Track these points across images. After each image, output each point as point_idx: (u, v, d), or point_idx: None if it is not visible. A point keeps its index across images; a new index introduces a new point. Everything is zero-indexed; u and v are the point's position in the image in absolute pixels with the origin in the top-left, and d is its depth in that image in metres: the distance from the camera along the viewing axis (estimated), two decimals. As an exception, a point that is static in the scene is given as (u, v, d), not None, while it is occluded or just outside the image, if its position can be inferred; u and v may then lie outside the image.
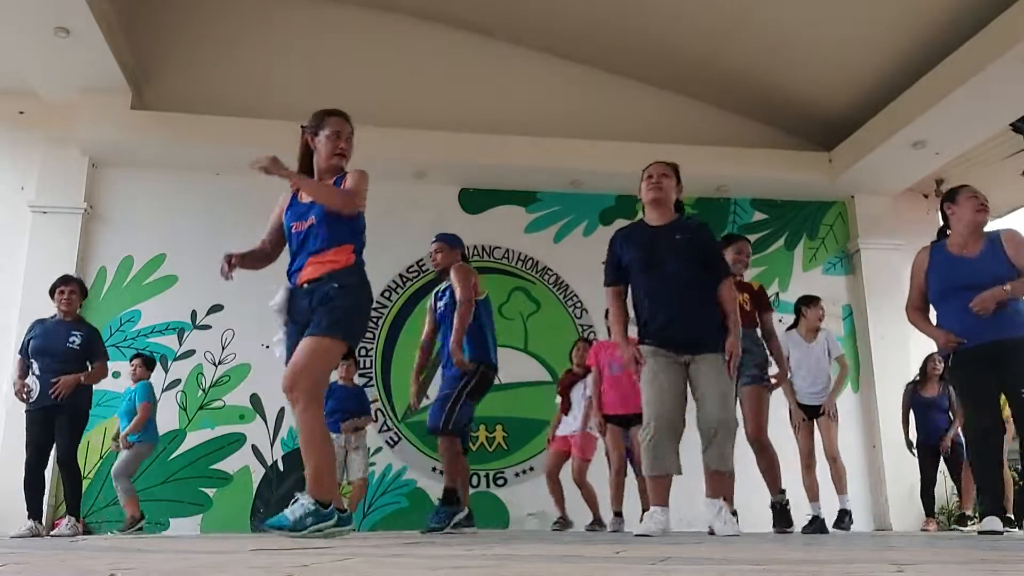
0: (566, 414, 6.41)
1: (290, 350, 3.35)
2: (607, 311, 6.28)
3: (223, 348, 7.58)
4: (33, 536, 5.15)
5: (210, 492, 7.26)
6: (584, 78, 8.55)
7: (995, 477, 4.05)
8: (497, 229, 8.28)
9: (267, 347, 7.91)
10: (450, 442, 4.71)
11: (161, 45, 7.98)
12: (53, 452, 5.64)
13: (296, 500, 3.10)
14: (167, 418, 7.32)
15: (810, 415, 5.67)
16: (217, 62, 8.06)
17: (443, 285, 5.02)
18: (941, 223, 4.33)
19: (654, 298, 3.81)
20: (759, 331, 4.97)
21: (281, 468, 7.41)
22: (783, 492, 4.93)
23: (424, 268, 8.12)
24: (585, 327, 8.10)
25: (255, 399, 7.47)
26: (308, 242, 3.41)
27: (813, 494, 5.48)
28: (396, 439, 7.60)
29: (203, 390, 7.48)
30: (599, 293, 8.10)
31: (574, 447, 6.30)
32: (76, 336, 5.51)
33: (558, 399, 6.59)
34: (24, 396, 5.41)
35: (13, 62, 7.16)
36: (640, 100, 8.61)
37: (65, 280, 5.69)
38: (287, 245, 3.56)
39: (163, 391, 7.43)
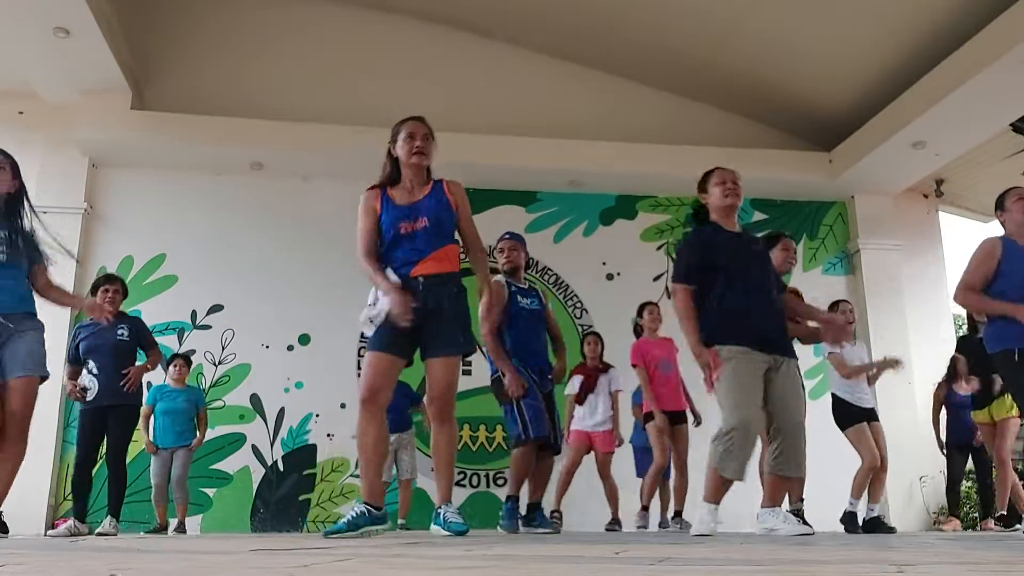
0: (580, 404, 6.28)
1: (386, 338, 3.44)
2: (641, 307, 6.29)
3: (223, 348, 7.58)
4: (72, 536, 5.12)
5: (210, 492, 7.26)
6: (584, 78, 8.56)
7: None
8: (497, 229, 8.24)
9: (267, 347, 7.96)
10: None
11: (161, 45, 7.98)
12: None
13: (448, 509, 3.47)
14: (167, 418, 7.33)
15: (862, 417, 5.61)
16: (217, 62, 8.06)
17: (522, 284, 4.97)
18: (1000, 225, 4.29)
19: (746, 302, 3.79)
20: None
21: (281, 468, 7.41)
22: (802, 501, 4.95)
23: (424, 268, 8.12)
24: (585, 327, 8.10)
25: (255, 399, 7.48)
26: (419, 240, 3.53)
27: (859, 493, 5.57)
28: (396, 439, 7.60)
29: (203, 390, 7.47)
30: (599, 293, 8.23)
31: (599, 442, 6.24)
32: (123, 328, 5.50)
33: (574, 390, 6.40)
34: (80, 396, 5.38)
35: (13, 62, 7.16)
36: (640, 100, 8.61)
37: (110, 279, 5.68)
38: (380, 245, 3.59)
39: (163, 391, 7.44)
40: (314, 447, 7.47)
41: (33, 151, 7.58)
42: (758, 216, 8.75)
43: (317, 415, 7.44)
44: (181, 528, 6.56)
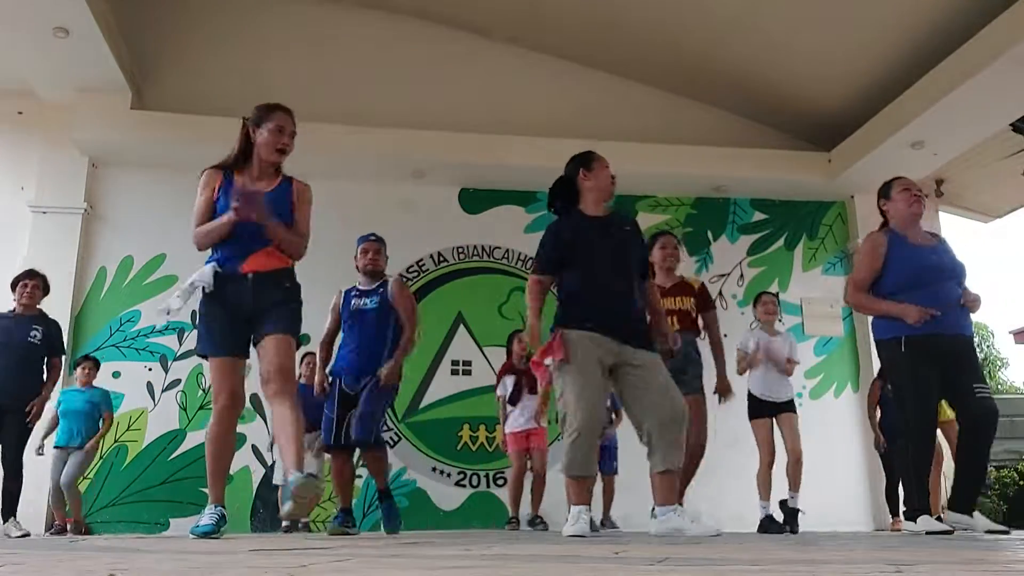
0: (514, 405, 6.22)
1: (223, 340, 3.36)
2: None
3: (223, 348, 7.57)
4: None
5: (210, 492, 7.25)
6: (584, 78, 8.55)
7: (928, 477, 3.88)
8: (497, 229, 8.28)
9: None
10: (382, 452, 4.79)
11: (161, 45, 7.98)
12: None
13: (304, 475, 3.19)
14: (167, 418, 7.33)
15: (769, 412, 5.52)
16: (217, 62, 8.06)
17: (368, 286, 4.86)
18: (882, 218, 4.23)
19: (593, 288, 3.71)
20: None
21: (281, 468, 7.41)
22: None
23: (424, 268, 8.12)
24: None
25: (255, 399, 7.45)
26: (251, 233, 3.34)
27: (767, 493, 5.43)
28: (396, 439, 7.59)
29: (203, 390, 7.47)
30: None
31: (535, 439, 6.24)
32: (37, 331, 5.37)
33: (505, 391, 6.32)
34: None
35: (13, 62, 7.16)
36: (640, 100, 8.61)
37: (30, 274, 5.56)
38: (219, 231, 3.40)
39: (163, 391, 7.44)
40: (314, 447, 7.46)
41: (33, 151, 7.59)
42: (758, 216, 8.75)
43: (317, 415, 7.44)
44: (78, 529, 6.37)
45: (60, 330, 5.64)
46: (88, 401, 6.48)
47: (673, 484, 3.56)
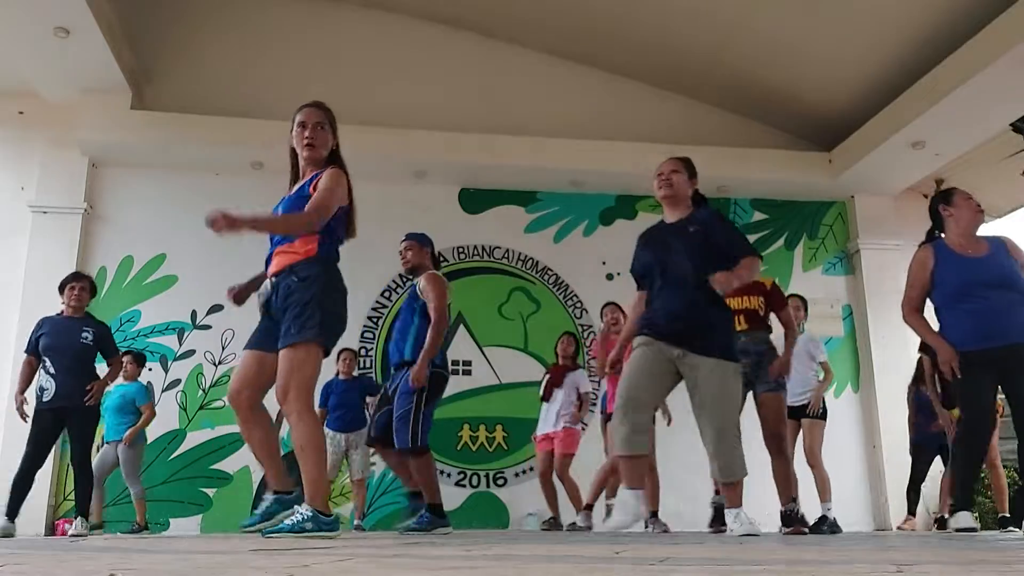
0: (547, 401, 6.33)
1: (254, 336, 3.40)
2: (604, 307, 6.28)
3: (223, 348, 7.58)
4: (6, 537, 5.02)
5: (210, 492, 7.26)
6: (584, 78, 8.56)
7: (977, 476, 4.09)
8: (497, 229, 8.29)
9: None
10: (425, 458, 4.57)
11: (161, 45, 7.99)
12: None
13: (292, 511, 3.13)
14: (167, 418, 7.33)
15: (792, 415, 5.59)
16: (217, 62, 8.06)
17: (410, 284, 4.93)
18: (931, 224, 4.26)
19: (662, 295, 3.81)
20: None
21: (281, 468, 7.41)
22: (794, 500, 4.88)
23: (424, 268, 8.12)
24: (585, 327, 8.10)
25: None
26: (273, 238, 3.38)
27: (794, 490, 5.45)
28: (396, 439, 7.59)
29: (203, 390, 7.48)
30: (599, 293, 8.22)
31: (557, 442, 6.27)
32: (88, 332, 5.43)
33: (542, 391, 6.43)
34: (21, 410, 5.28)
35: (13, 62, 7.16)
36: (640, 100, 8.61)
37: (77, 276, 5.66)
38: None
39: (163, 391, 7.44)
40: (314, 447, 7.46)
41: (33, 151, 7.60)
42: (758, 216, 8.75)
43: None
44: (143, 526, 6.47)
45: (110, 331, 5.73)
46: (121, 396, 6.56)
47: (731, 489, 3.72)
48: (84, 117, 7.38)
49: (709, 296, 3.74)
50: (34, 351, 5.39)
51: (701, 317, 3.73)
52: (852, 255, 8.73)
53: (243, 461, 7.34)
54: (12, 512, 5.21)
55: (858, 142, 8.12)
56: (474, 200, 8.35)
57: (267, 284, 3.36)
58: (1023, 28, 6.17)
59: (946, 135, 7.51)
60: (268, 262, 3.37)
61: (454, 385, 7.74)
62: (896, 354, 8.26)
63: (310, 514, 3.05)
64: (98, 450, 6.32)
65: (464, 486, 7.60)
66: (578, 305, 8.26)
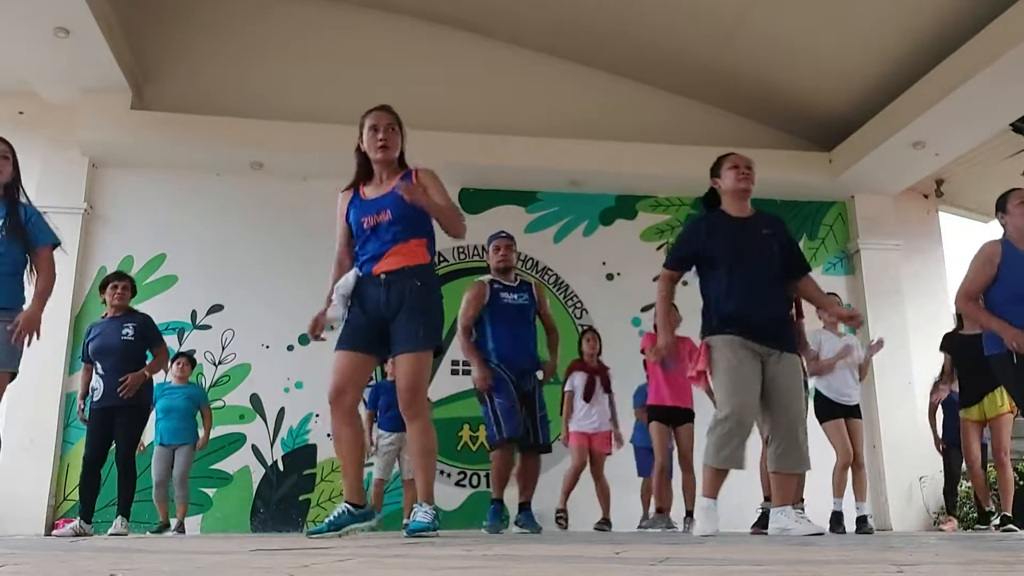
0: (587, 401, 6.18)
1: (352, 335, 3.40)
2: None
3: (223, 348, 7.58)
4: (77, 536, 5.10)
5: (210, 492, 7.26)
6: (584, 78, 8.56)
7: None
8: (497, 229, 8.27)
9: (267, 347, 7.95)
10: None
11: (161, 45, 7.98)
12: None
13: (420, 508, 3.31)
14: (167, 418, 7.33)
15: (841, 413, 5.57)
16: (217, 62, 8.06)
17: (511, 282, 5.01)
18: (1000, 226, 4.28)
19: (743, 291, 3.76)
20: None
21: (281, 468, 7.41)
22: (801, 500, 4.89)
23: (424, 268, 8.12)
24: (584, 327, 8.09)
25: (255, 399, 7.48)
26: (383, 234, 3.42)
27: (841, 491, 5.51)
28: (396, 439, 7.59)
29: (204, 388, 7.48)
30: (599, 293, 8.23)
31: (596, 442, 6.23)
32: (129, 327, 5.45)
33: (574, 386, 6.30)
34: (82, 416, 5.46)
35: (13, 62, 7.16)
36: (640, 100, 8.61)
37: (119, 276, 5.70)
38: (355, 241, 3.53)
39: (163, 391, 7.44)
40: (314, 447, 7.46)
41: (33, 151, 7.57)
42: (758, 216, 8.74)
43: (317, 415, 7.44)
44: (180, 528, 6.56)
45: (151, 321, 5.71)
46: (188, 397, 6.61)
47: (784, 485, 3.76)
48: (84, 117, 7.38)
49: (786, 294, 3.93)
50: (86, 357, 5.51)
51: (787, 315, 3.89)
52: (852, 255, 8.73)
53: (243, 461, 7.35)
54: (85, 515, 5.29)
55: (858, 142, 8.12)
56: (474, 200, 8.35)
57: (351, 279, 3.40)
58: (1023, 28, 6.17)
59: (946, 135, 7.51)
60: (367, 259, 3.42)
61: (454, 385, 7.77)
62: (896, 354, 8.25)
63: (435, 512, 3.29)
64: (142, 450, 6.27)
65: (464, 486, 7.60)
66: (578, 305, 8.26)
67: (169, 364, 6.52)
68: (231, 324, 7.61)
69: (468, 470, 7.66)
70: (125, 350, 5.40)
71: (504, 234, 5.16)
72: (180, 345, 7.54)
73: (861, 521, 5.53)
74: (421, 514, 3.27)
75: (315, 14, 8.27)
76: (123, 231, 7.69)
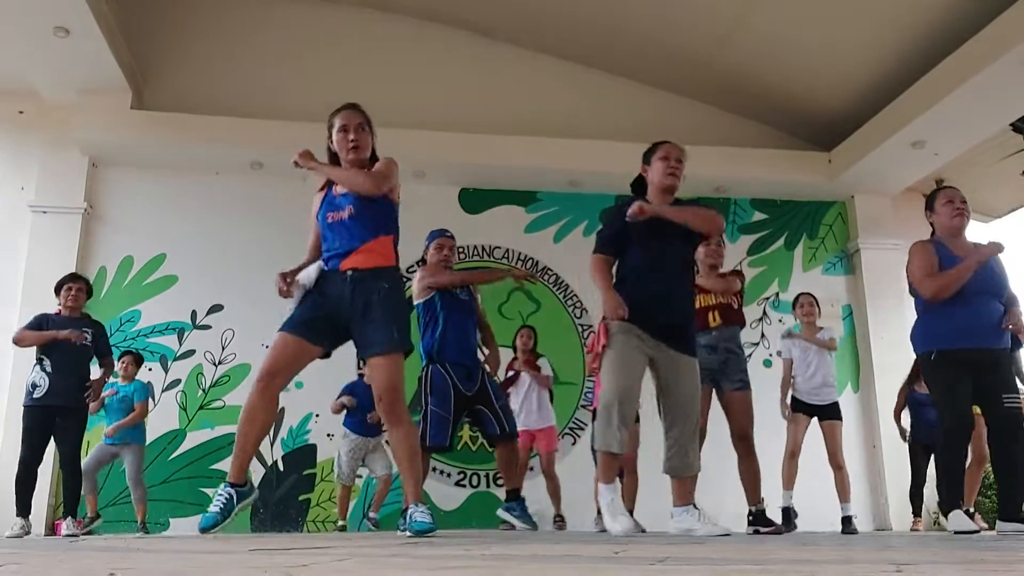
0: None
1: (304, 322, 3.37)
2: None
3: (223, 348, 7.58)
4: (24, 535, 5.11)
5: (210, 492, 7.25)
6: (584, 78, 8.56)
7: (962, 477, 4.12)
8: (497, 229, 8.29)
9: (267, 347, 7.93)
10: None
11: (161, 45, 7.99)
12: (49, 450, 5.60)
13: (416, 509, 3.29)
14: (167, 418, 7.33)
15: (810, 414, 5.59)
16: (217, 62, 8.06)
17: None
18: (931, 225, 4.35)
19: (654, 284, 3.64)
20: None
21: (281, 468, 7.41)
22: (762, 500, 4.85)
23: (424, 268, 8.12)
24: (585, 327, 8.10)
25: (254, 399, 7.47)
26: (346, 230, 3.38)
27: (790, 483, 5.43)
28: (396, 439, 7.60)
29: (203, 390, 7.48)
30: (598, 292, 8.21)
31: (541, 439, 6.27)
32: (86, 333, 5.48)
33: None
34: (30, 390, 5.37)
35: (13, 62, 7.16)
36: (640, 100, 8.61)
37: (73, 277, 5.70)
38: (322, 238, 3.52)
39: (163, 391, 7.44)
40: (314, 447, 7.47)
41: (33, 151, 7.60)
42: (758, 216, 8.75)
43: (317, 415, 7.44)
44: (143, 528, 6.45)
45: (104, 330, 5.77)
46: (123, 396, 6.56)
47: (683, 487, 3.69)
48: (84, 117, 7.38)
49: (691, 289, 3.85)
50: (32, 327, 5.44)
51: (689, 311, 3.78)
52: (852, 255, 8.73)
53: (243, 461, 7.34)
54: (24, 510, 5.26)
55: (858, 142, 8.12)
56: (474, 200, 8.35)
57: (312, 272, 3.36)
58: (1023, 28, 6.17)
59: (946, 135, 7.51)
60: (334, 255, 3.37)
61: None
62: (896, 354, 8.25)
63: (430, 511, 3.31)
64: (87, 451, 6.27)
65: (464, 486, 7.60)
66: (578, 305, 8.26)
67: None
68: (231, 324, 7.61)
69: (468, 470, 7.67)
70: (79, 353, 5.42)
71: (448, 233, 5.15)
72: (180, 345, 7.54)
73: (846, 522, 5.48)
74: (420, 515, 3.26)
75: (315, 14, 8.28)
76: (123, 231, 7.69)
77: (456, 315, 4.82)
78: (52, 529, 6.82)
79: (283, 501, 7.35)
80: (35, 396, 5.32)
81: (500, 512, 5.14)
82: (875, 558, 1.93)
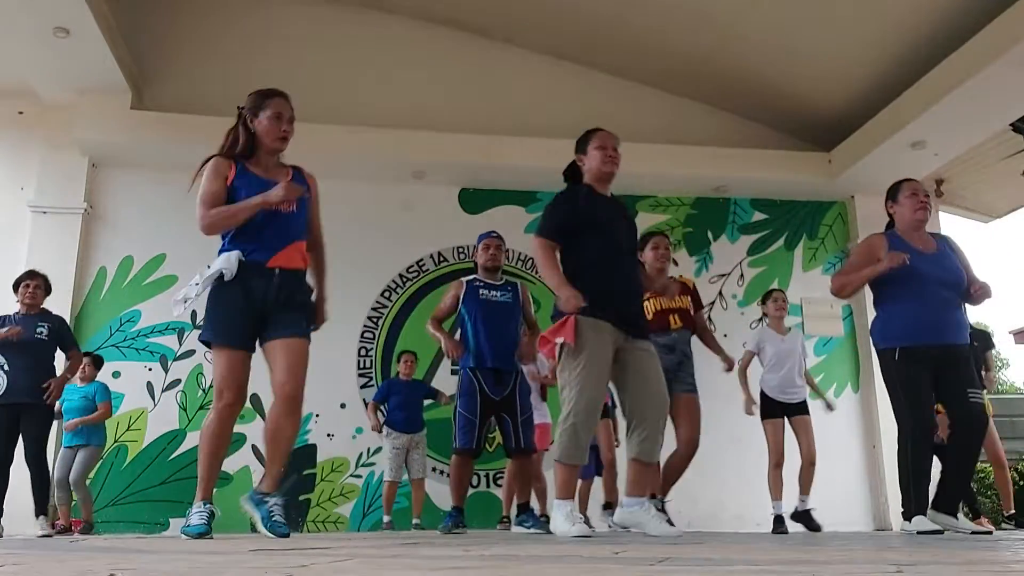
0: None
1: (241, 331, 3.26)
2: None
3: (223, 348, 7.57)
4: None
5: (210, 492, 7.25)
6: (584, 78, 8.55)
7: (928, 475, 3.94)
8: (497, 229, 8.25)
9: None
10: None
11: (160, 45, 7.98)
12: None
13: (275, 503, 3.33)
14: (167, 418, 7.33)
15: (782, 412, 5.55)
16: (217, 63, 8.05)
17: (494, 280, 4.97)
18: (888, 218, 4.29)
19: (611, 273, 3.56)
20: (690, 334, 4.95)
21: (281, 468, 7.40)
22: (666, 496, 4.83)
23: (424, 268, 8.12)
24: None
25: (255, 399, 7.41)
26: (283, 225, 3.30)
27: (778, 493, 5.43)
28: (396, 439, 7.59)
29: (203, 390, 7.47)
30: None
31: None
32: (43, 327, 5.46)
33: None
34: None
35: (13, 62, 7.16)
36: (640, 100, 8.61)
37: (31, 275, 5.66)
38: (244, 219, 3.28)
39: (163, 391, 7.44)
40: (314, 447, 7.46)
41: (33, 151, 7.59)
42: (758, 216, 8.75)
43: (317, 415, 7.44)
44: (87, 528, 6.43)
45: (66, 324, 5.76)
46: (84, 396, 6.54)
47: (645, 477, 3.62)
48: (83, 117, 7.38)
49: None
50: None
51: (642, 300, 3.77)
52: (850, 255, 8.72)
53: (243, 461, 7.33)
54: None
55: (858, 142, 8.12)
56: (474, 200, 8.35)
57: (233, 262, 3.20)
58: (1023, 28, 6.17)
59: (946, 135, 7.50)
60: (265, 249, 3.25)
61: (454, 385, 7.75)
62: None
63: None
64: (55, 452, 6.24)
65: (464, 486, 7.59)
66: (578, 305, 8.25)
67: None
68: (231, 324, 7.60)
69: (468, 470, 7.65)
70: (37, 349, 5.40)
71: (494, 233, 5.15)
72: (180, 345, 7.54)
73: (805, 515, 5.41)
74: (280, 514, 3.29)
75: (315, 15, 8.27)
76: (123, 231, 7.69)
77: (493, 318, 4.77)
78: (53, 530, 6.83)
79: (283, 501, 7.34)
80: None
81: (515, 529, 5.10)
82: (876, 558, 1.93)
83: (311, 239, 3.48)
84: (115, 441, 7.14)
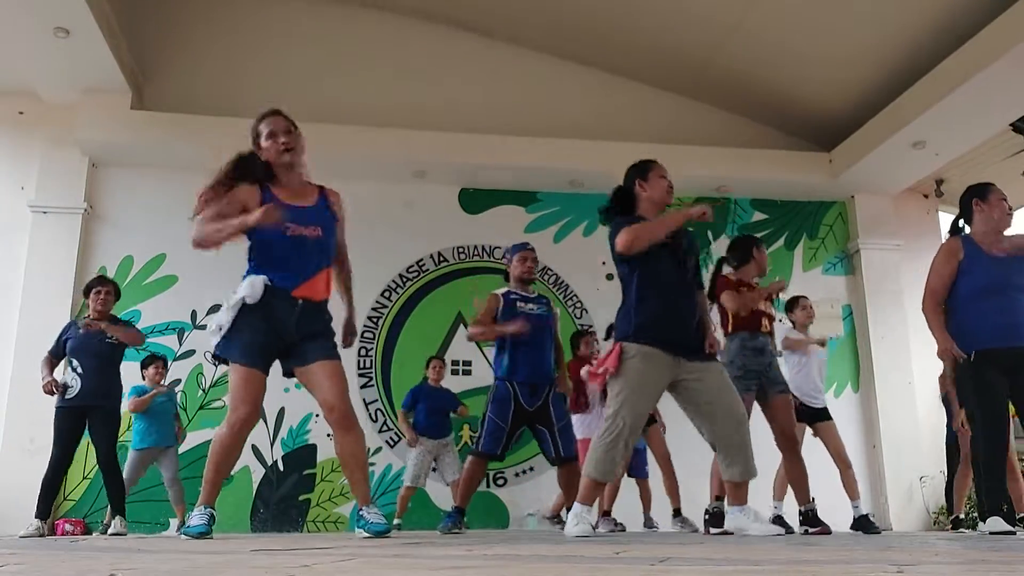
0: (586, 411, 6.05)
1: (262, 353, 3.30)
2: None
3: (223, 348, 7.57)
4: (40, 536, 5.13)
5: (210, 492, 7.25)
6: (584, 78, 8.56)
7: (1003, 477, 3.99)
8: (497, 229, 8.28)
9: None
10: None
11: (161, 45, 7.98)
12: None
13: (369, 511, 3.33)
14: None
15: (806, 419, 5.51)
16: (217, 62, 8.06)
17: (528, 293, 5.00)
18: (960, 216, 4.25)
19: (666, 300, 3.62)
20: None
21: (281, 468, 7.41)
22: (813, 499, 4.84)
23: (424, 268, 8.12)
24: (585, 327, 8.09)
25: (255, 399, 7.47)
26: (309, 252, 3.31)
27: (781, 494, 5.47)
28: (396, 439, 7.60)
29: (203, 390, 7.48)
30: (598, 293, 8.22)
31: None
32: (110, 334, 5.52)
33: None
34: (53, 390, 5.33)
35: (13, 62, 7.16)
36: (640, 100, 8.61)
37: (102, 281, 5.73)
38: (260, 246, 3.32)
39: (163, 391, 7.44)
40: (314, 447, 7.47)
41: (33, 151, 7.59)
42: (758, 216, 8.75)
43: (317, 415, 7.43)
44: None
45: (132, 325, 5.92)
46: (169, 400, 6.64)
47: (742, 489, 3.75)
48: (84, 117, 7.38)
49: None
50: (56, 353, 5.51)
51: (696, 321, 3.74)
52: (852, 255, 8.73)
53: (243, 461, 7.31)
54: (44, 513, 5.28)
55: (858, 142, 8.12)
56: (474, 200, 8.35)
57: (259, 288, 3.22)
58: (1023, 28, 6.17)
59: (946, 135, 7.51)
60: (291, 276, 3.26)
61: (454, 385, 7.77)
62: (896, 354, 8.27)
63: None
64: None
65: (464, 486, 7.60)
66: (578, 305, 8.26)
67: (144, 367, 6.60)
68: (231, 324, 7.60)
69: (468, 470, 7.66)
70: (108, 353, 5.47)
71: (530, 245, 5.13)
72: (180, 345, 7.54)
73: (864, 520, 5.40)
74: (376, 516, 3.27)
75: (315, 14, 8.27)
76: (123, 231, 7.69)
77: (531, 331, 4.75)
78: (52, 529, 6.83)
79: (283, 501, 7.35)
80: (67, 397, 5.37)
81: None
82: (876, 558, 1.93)
83: (340, 259, 3.55)
84: (116, 441, 7.13)
